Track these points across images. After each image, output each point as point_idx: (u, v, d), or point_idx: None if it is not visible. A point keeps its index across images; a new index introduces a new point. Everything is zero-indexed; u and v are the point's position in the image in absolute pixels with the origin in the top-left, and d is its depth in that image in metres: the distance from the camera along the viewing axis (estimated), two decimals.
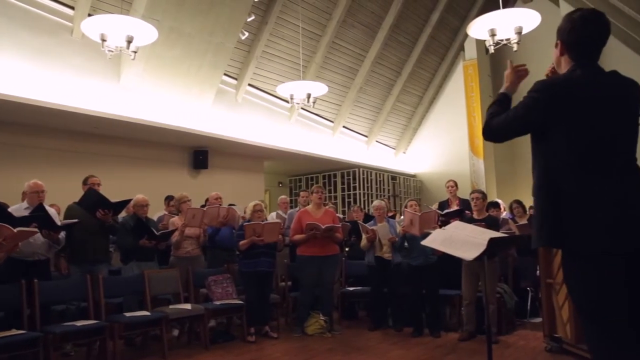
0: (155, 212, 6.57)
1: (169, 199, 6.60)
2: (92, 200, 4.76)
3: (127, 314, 4.48)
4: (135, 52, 5.43)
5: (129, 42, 5.28)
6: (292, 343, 5.07)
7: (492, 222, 5.07)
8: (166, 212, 6.44)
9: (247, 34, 8.54)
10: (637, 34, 8.57)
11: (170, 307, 4.83)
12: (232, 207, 6.05)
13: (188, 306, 4.85)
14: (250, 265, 5.21)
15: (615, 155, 1.87)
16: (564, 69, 2.02)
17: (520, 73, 2.21)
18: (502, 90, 2.21)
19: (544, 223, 1.91)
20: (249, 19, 8.38)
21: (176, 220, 5.54)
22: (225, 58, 8.25)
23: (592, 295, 1.84)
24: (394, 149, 13.33)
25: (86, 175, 5.05)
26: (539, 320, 5.48)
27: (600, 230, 1.79)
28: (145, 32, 5.39)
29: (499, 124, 2.06)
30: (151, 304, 4.77)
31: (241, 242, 5.18)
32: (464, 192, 6.85)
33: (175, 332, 5.37)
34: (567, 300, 4.19)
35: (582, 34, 1.95)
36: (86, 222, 4.66)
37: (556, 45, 2.05)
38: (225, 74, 8.78)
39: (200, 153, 9.03)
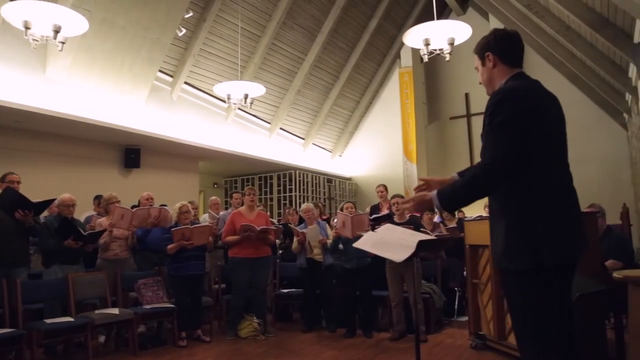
0: (83, 212, 6.26)
1: (98, 198, 6.29)
2: (10, 199, 4.46)
3: (48, 321, 4.22)
4: (63, 42, 5.13)
5: (56, 31, 4.98)
6: (225, 346, 5.00)
7: (414, 224, 5.28)
8: (94, 213, 6.16)
9: (184, 30, 8.33)
10: (557, 52, 9.21)
11: (97, 312, 4.62)
12: (164, 207, 5.88)
13: (116, 311, 4.66)
14: (180, 269, 5.09)
15: (564, 165, 1.95)
16: (498, 81, 2.07)
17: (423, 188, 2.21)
18: (434, 198, 2.02)
19: (516, 241, 1.88)
20: (186, 15, 8.18)
21: (103, 222, 5.31)
22: (160, 54, 8.00)
23: (557, 310, 1.84)
24: (330, 152, 13.47)
25: (3, 173, 4.73)
26: (465, 319, 5.74)
27: (562, 243, 1.83)
28: (74, 23, 5.11)
29: (498, 155, 1.85)
30: (75, 309, 4.53)
31: (169, 246, 5.06)
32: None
33: (102, 339, 5.13)
34: (491, 299, 4.42)
35: (510, 41, 2.08)
36: (3, 223, 4.36)
37: (484, 63, 2.11)
38: (160, 71, 8.51)
39: (132, 151, 8.68)
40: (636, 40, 5.82)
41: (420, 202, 2.07)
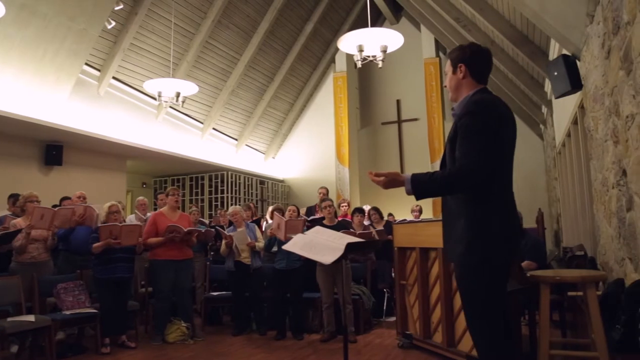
0: None
1: (13, 197, 5.87)
2: None
3: None
4: None
5: None
6: (151, 352, 4.84)
7: (344, 227, 5.42)
8: (9, 213, 5.74)
9: (113, 23, 7.97)
10: None
11: (9, 319, 4.30)
12: (90, 206, 5.61)
13: (31, 317, 4.37)
14: (106, 271, 4.87)
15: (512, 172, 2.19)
16: (464, 91, 2.25)
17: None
18: (407, 181, 2.09)
19: (474, 237, 2.09)
20: (116, 7, 7.82)
21: (19, 222, 4.97)
22: (87, 46, 7.61)
23: (498, 297, 2.13)
24: (263, 153, 13.41)
25: None
26: (393, 319, 5.92)
27: (509, 244, 2.11)
28: None
29: (478, 159, 2.01)
30: None
31: (95, 245, 4.82)
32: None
33: (14, 349, 4.78)
34: (418, 299, 4.59)
35: (482, 58, 2.27)
36: None
37: (454, 71, 2.28)
38: (86, 64, 8.09)
39: (53, 148, 8.17)
40: (551, 57, 6.27)
41: (392, 181, 2.15)
